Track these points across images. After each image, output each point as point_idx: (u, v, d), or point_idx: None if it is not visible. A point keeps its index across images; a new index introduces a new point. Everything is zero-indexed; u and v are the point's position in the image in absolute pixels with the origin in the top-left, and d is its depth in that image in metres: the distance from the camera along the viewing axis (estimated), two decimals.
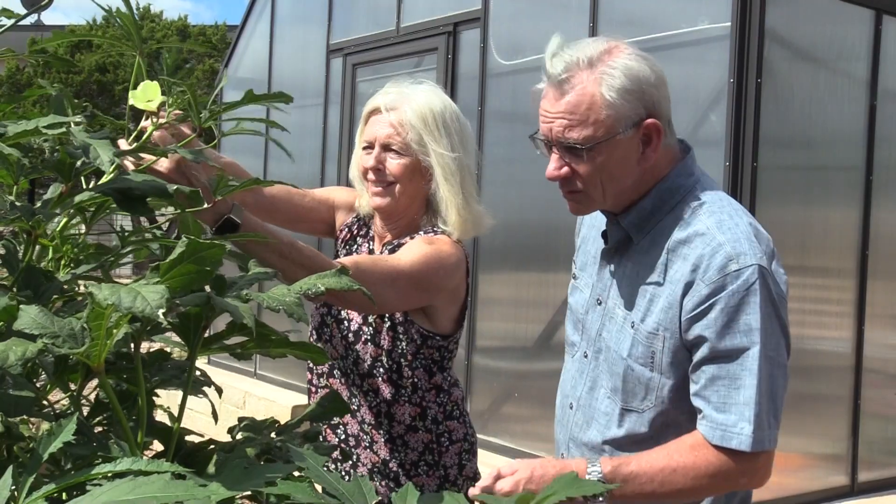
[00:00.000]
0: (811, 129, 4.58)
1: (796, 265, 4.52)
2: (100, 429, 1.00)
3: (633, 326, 1.64)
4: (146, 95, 1.15)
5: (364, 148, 2.03)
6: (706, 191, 1.65)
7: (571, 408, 1.82)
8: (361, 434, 2.07)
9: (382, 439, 2.04)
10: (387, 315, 1.99)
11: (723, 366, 1.53)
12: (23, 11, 1.18)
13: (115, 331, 0.80)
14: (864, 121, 4.75)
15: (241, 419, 1.08)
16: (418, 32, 5.91)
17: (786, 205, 4.45)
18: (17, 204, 0.98)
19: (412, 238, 2.02)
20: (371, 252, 2.12)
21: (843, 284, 4.76)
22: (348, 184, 2.22)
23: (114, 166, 0.96)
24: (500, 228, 5.19)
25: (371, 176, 2.00)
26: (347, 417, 2.07)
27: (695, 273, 1.56)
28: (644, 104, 1.59)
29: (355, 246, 2.16)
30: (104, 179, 0.97)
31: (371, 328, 2.02)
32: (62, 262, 1.18)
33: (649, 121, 1.59)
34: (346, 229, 2.19)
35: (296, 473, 0.91)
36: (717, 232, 1.57)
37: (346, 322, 2.05)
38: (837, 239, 4.74)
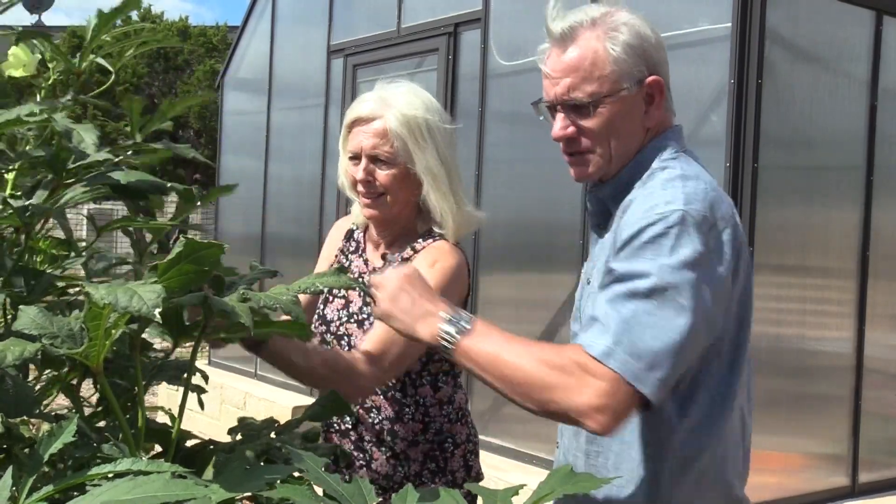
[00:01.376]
0: (812, 129, 4.57)
1: (797, 265, 4.52)
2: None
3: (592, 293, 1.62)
4: (18, 62, 1.12)
5: (350, 158, 2.02)
6: (677, 160, 1.61)
7: None
8: (358, 452, 2.03)
9: (384, 456, 2.02)
10: None
11: (609, 290, 1.45)
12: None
13: (113, 331, 0.80)
14: (864, 121, 4.75)
15: (240, 419, 1.08)
16: (419, 33, 5.91)
17: (786, 205, 4.45)
18: (10, 201, 0.98)
19: (412, 250, 2.01)
20: (366, 263, 2.11)
21: (844, 285, 4.76)
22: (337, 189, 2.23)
23: (105, 157, 0.96)
24: (500, 228, 5.23)
25: (361, 188, 2.00)
26: (336, 438, 2.06)
27: (625, 224, 1.51)
28: (646, 62, 1.60)
29: (349, 266, 2.14)
30: (90, 160, 0.96)
31: None
32: (40, 258, 1.17)
33: (652, 78, 1.60)
34: (339, 253, 2.20)
35: (296, 474, 0.91)
36: (658, 189, 1.53)
37: (346, 338, 2.03)
38: (838, 239, 4.74)
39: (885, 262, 4.85)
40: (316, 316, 2.11)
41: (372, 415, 2.02)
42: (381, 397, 2.01)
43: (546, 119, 1.69)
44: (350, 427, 2.04)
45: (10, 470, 0.70)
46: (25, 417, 0.88)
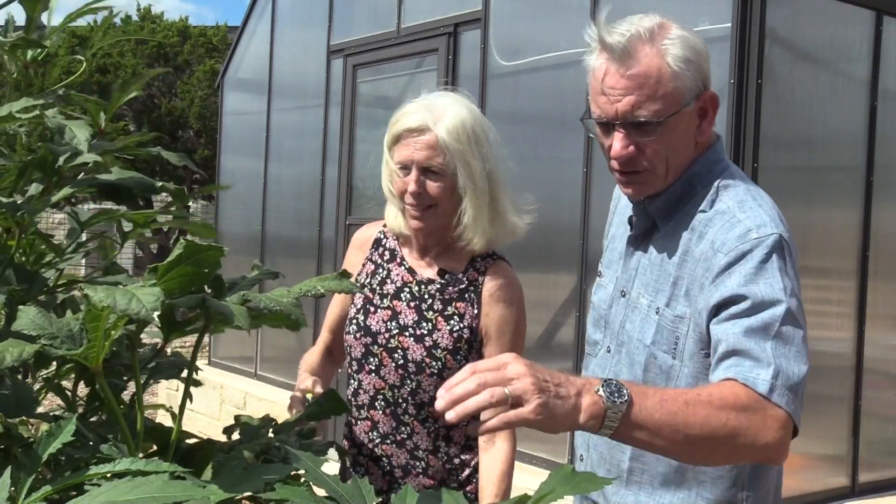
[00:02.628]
0: (812, 129, 4.57)
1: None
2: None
3: (657, 312, 1.61)
4: None
5: (400, 168, 2.00)
6: (734, 177, 1.62)
7: None
8: (413, 461, 2.02)
9: (440, 462, 2.02)
10: (458, 353, 2.00)
11: (742, 320, 1.44)
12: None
13: (112, 332, 0.80)
14: (864, 121, 4.75)
15: (237, 418, 1.07)
16: (419, 33, 5.91)
17: (786, 205, 4.42)
18: (2, 200, 0.98)
19: (475, 271, 2.05)
20: (410, 272, 2.08)
21: (844, 285, 4.76)
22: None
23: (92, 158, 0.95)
24: None
25: (411, 199, 1.99)
26: (392, 448, 2.03)
27: (713, 248, 1.52)
28: (701, 76, 1.58)
29: (386, 275, 2.11)
30: (79, 161, 0.96)
31: (439, 363, 1.99)
32: (32, 257, 1.17)
33: (708, 92, 1.58)
34: (367, 262, 2.16)
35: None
36: (737, 211, 1.55)
37: (400, 351, 2.02)
38: (838, 239, 4.74)
39: (885, 262, 4.85)
40: (356, 326, 2.08)
41: (427, 424, 2.02)
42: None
43: (595, 136, 1.64)
44: (406, 437, 2.02)
45: (8, 470, 0.70)
46: (24, 417, 0.88)
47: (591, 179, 4.65)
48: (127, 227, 1.17)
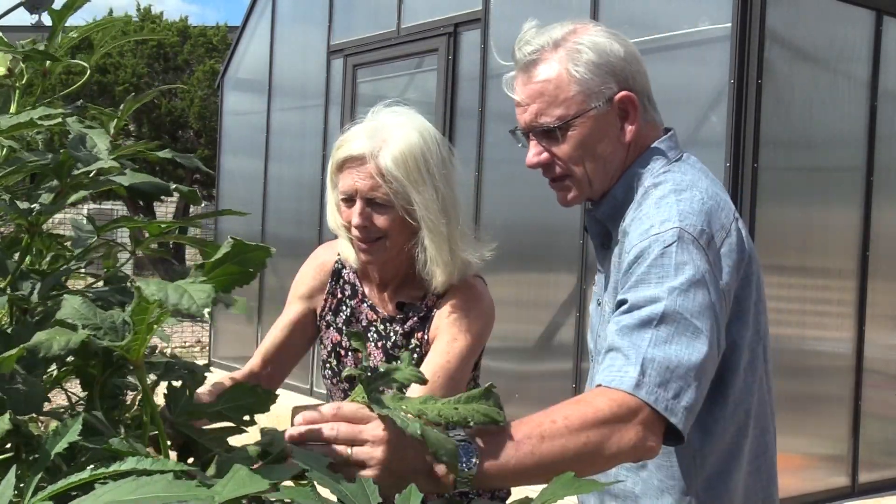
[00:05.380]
0: (812, 129, 4.58)
1: (797, 266, 4.52)
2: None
3: (608, 320, 1.59)
4: None
5: (343, 200, 1.84)
6: (669, 172, 1.57)
7: None
8: None
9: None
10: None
11: (622, 320, 1.41)
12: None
13: (154, 326, 0.81)
14: (864, 122, 4.75)
15: (263, 430, 1.06)
16: (419, 33, 5.91)
17: (786, 205, 4.45)
18: (16, 202, 0.98)
19: (435, 296, 1.89)
20: (373, 309, 1.96)
21: (844, 285, 4.76)
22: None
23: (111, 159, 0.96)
24: (500, 228, 5.23)
25: (357, 233, 1.83)
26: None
27: (624, 249, 1.50)
28: (615, 78, 1.56)
29: (351, 314, 1.98)
30: (96, 166, 0.96)
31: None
32: (46, 258, 1.17)
33: (622, 94, 1.56)
34: (329, 297, 2.01)
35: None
36: (652, 208, 1.50)
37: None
38: (838, 240, 4.75)
39: (885, 262, 4.86)
40: (330, 371, 2.00)
41: None
42: None
43: (523, 146, 1.67)
44: None
45: (14, 468, 0.70)
46: (34, 415, 0.88)
47: None
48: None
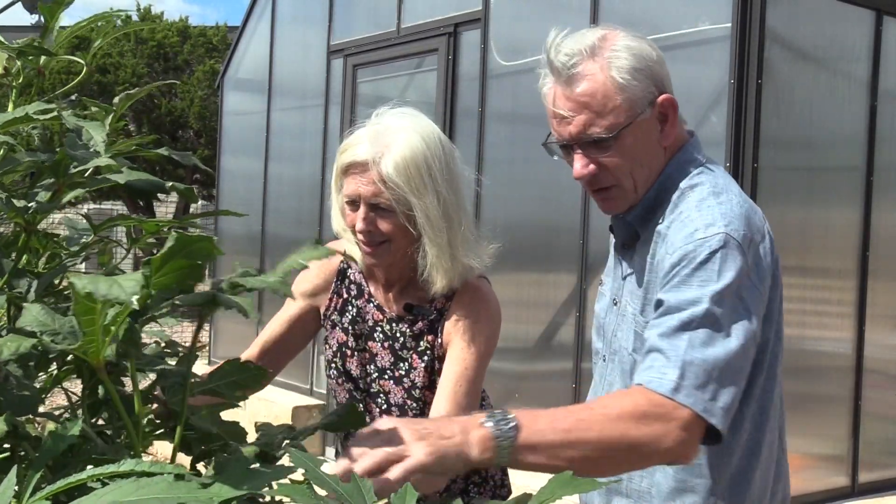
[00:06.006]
0: (812, 129, 4.58)
1: (797, 266, 4.52)
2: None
3: (634, 319, 1.61)
4: None
5: (348, 203, 1.85)
6: (703, 174, 1.59)
7: None
8: None
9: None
10: (435, 387, 1.86)
11: (664, 322, 1.44)
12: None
13: (112, 328, 0.80)
14: (864, 121, 4.75)
15: (257, 425, 1.07)
16: (419, 33, 5.91)
17: (786, 205, 4.45)
18: (12, 200, 0.98)
19: (445, 299, 1.89)
20: (380, 309, 1.95)
21: (844, 285, 4.76)
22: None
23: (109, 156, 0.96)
24: (500, 229, 5.23)
25: (362, 237, 1.83)
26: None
27: (667, 251, 1.51)
28: (653, 81, 1.56)
29: (357, 313, 1.98)
30: (92, 164, 0.96)
31: (420, 403, 1.90)
32: (42, 258, 1.17)
33: (663, 96, 1.57)
34: (334, 296, 2.01)
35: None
36: (693, 211, 1.52)
37: (382, 396, 1.93)
38: (838, 240, 4.75)
39: (885, 263, 4.86)
40: (336, 371, 1.99)
41: None
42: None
43: (560, 158, 1.64)
44: None
45: (14, 468, 0.70)
46: (30, 416, 0.88)
47: None
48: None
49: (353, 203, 1.83)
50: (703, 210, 1.51)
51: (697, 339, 1.40)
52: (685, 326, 1.41)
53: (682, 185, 1.58)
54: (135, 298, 0.73)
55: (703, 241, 1.46)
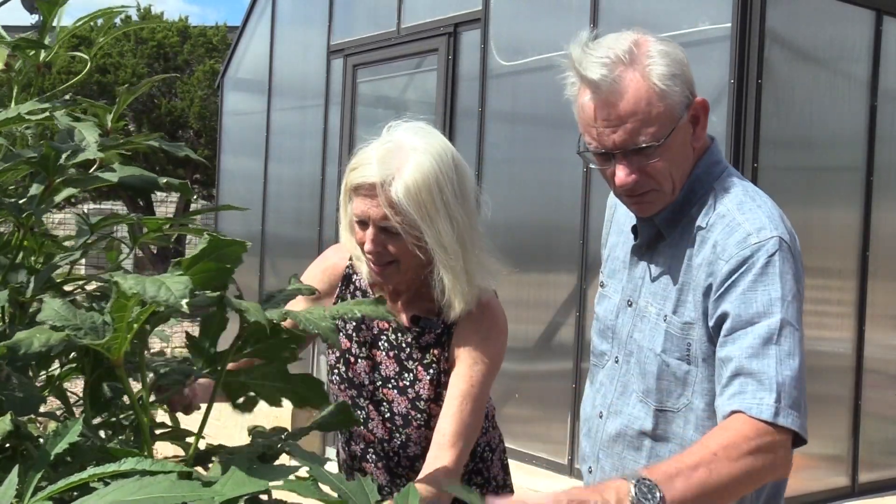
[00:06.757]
0: (812, 129, 4.58)
1: None
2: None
3: (665, 320, 1.61)
4: None
5: (358, 222, 1.80)
6: (732, 178, 1.63)
7: (601, 416, 1.77)
8: (412, 473, 1.91)
9: None
10: (440, 400, 1.84)
11: (742, 338, 1.47)
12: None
13: (135, 325, 0.81)
14: (864, 121, 4.75)
15: (250, 429, 1.07)
16: (419, 33, 5.91)
17: (786, 205, 4.41)
18: (5, 200, 0.98)
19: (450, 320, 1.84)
20: (390, 322, 1.92)
21: (844, 285, 4.76)
22: (337, 219, 1.97)
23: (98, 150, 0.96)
24: (500, 228, 5.24)
25: (370, 256, 1.79)
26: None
27: (714, 253, 1.54)
28: (687, 85, 1.59)
29: (361, 320, 1.95)
30: (80, 158, 0.96)
31: (424, 414, 1.87)
32: (37, 256, 1.17)
33: (697, 100, 1.59)
34: (338, 301, 1.97)
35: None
36: (736, 213, 1.56)
37: (385, 404, 1.91)
38: (838, 239, 4.75)
39: (885, 263, 4.86)
40: (338, 377, 1.96)
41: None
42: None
43: (595, 167, 1.64)
44: (399, 446, 1.92)
45: (16, 468, 0.70)
46: (32, 416, 0.88)
47: (591, 179, 4.65)
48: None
49: (363, 223, 1.79)
50: (747, 213, 1.55)
51: (783, 352, 1.45)
52: (767, 342, 1.45)
53: (715, 186, 1.61)
54: (184, 302, 0.74)
55: (759, 245, 1.50)
